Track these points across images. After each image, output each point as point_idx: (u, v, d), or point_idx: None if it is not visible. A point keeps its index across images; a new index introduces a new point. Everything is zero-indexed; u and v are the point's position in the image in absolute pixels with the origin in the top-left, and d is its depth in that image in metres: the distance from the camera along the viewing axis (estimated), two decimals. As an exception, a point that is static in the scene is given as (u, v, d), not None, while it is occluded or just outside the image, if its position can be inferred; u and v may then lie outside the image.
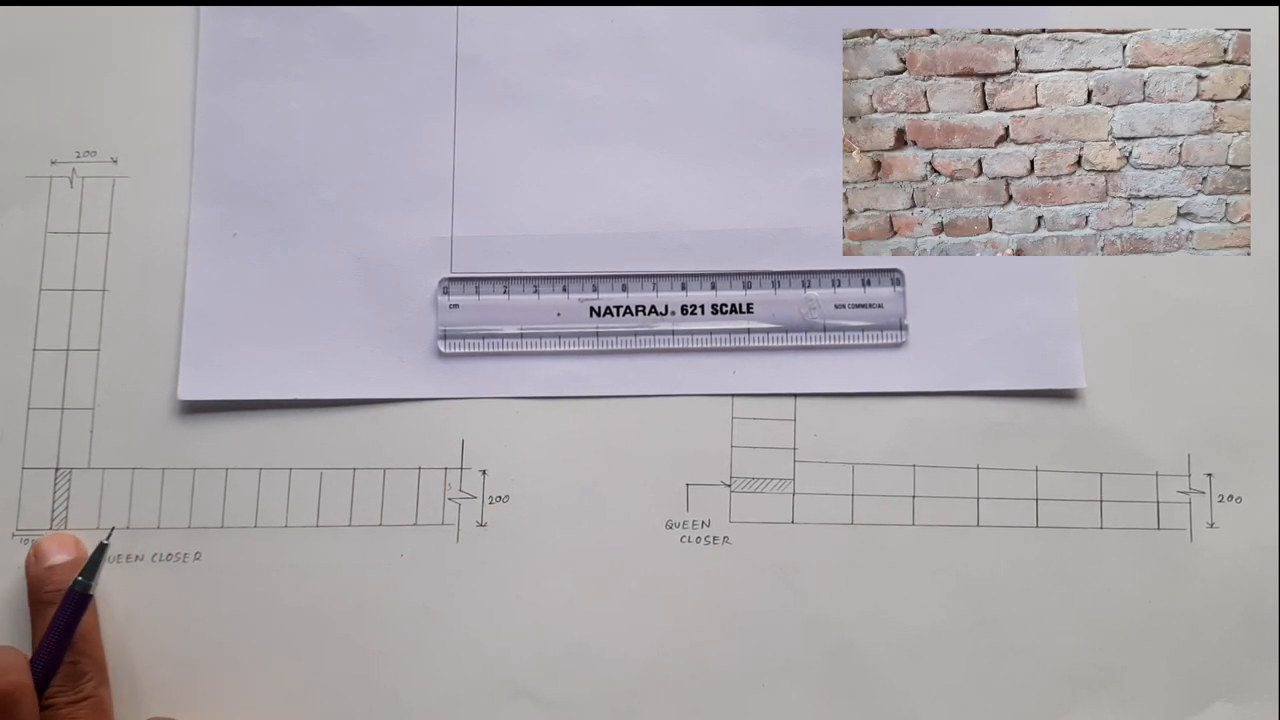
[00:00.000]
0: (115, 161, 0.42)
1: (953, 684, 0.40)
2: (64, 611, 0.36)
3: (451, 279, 0.42)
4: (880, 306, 0.42)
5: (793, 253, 0.42)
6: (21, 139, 0.42)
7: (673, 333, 0.42)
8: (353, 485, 0.40)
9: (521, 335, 0.42)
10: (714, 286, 0.42)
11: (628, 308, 0.42)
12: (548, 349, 0.41)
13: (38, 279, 0.41)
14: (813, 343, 0.42)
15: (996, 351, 0.42)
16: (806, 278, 0.42)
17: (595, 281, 0.42)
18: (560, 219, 0.42)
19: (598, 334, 0.42)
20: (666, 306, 0.42)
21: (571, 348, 0.41)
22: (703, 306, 0.42)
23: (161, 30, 0.43)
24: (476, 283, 0.42)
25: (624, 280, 0.42)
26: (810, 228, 0.42)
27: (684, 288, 0.42)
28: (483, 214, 0.42)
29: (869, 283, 0.42)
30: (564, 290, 0.42)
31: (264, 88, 0.42)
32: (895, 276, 0.42)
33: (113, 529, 0.39)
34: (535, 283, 0.42)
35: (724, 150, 0.43)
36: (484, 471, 0.41)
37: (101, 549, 0.38)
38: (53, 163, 0.42)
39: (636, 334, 0.42)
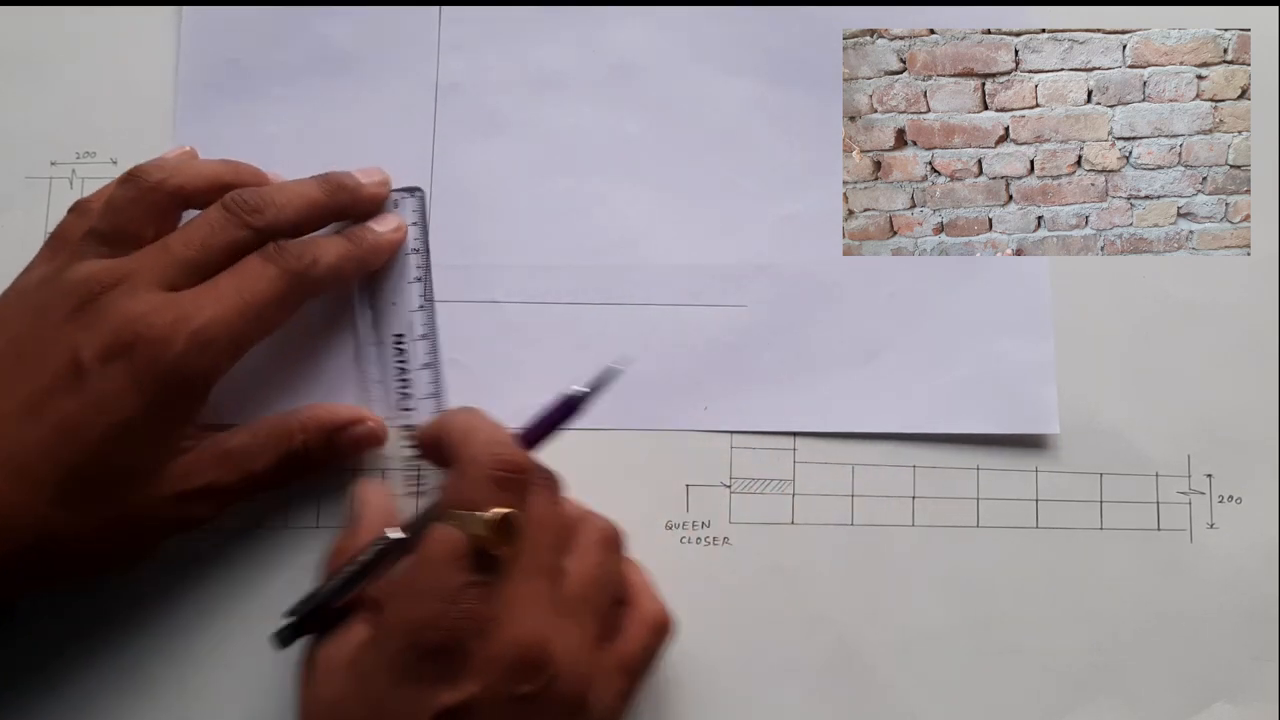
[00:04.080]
0: (115, 162, 0.42)
1: (953, 684, 0.40)
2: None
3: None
4: None
5: (768, 289, 0.42)
6: (21, 140, 0.42)
7: None
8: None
9: None
10: None
11: None
12: None
13: (38, 280, 0.41)
14: None
15: (966, 395, 0.41)
16: None
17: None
18: (538, 250, 0.42)
19: None
20: None
21: None
22: None
23: (162, 31, 0.43)
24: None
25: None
26: (786, 264, 0.42)
27: None
28: (459, 243, 0.42)
29: None
30: None
31: (243, 110, 0.42)
32: None
33: None
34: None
35: (703, 184, 0.42)
36: (484, 472, 0.41)
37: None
38: (53, 163, 0.42)
39: None
